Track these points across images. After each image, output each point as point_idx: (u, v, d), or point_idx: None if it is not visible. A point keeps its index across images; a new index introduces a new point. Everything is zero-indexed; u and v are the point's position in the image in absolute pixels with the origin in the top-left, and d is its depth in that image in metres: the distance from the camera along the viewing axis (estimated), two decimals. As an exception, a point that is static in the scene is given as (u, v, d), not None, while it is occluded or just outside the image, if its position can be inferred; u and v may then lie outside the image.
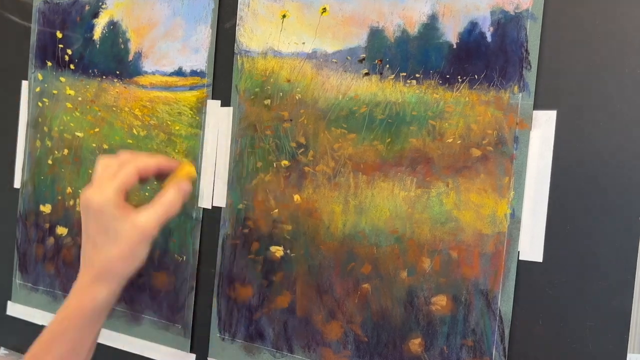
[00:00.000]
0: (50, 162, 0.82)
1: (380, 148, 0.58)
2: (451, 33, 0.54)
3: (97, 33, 0.78)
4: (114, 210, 0.52)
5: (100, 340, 0.73)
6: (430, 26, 0.55)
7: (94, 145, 0.78)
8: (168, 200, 0.54)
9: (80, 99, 0.80)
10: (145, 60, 0.74)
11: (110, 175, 0.54)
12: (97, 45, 0.78)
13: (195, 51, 0.70)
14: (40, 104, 0.84)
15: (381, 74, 0.58)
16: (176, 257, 0.71)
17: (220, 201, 0.68)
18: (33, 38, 0.85)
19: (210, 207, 0.69)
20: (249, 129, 0.65)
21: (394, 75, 0.57)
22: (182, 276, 0.71)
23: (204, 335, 0.69)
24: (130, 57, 0.75)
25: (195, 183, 0.69)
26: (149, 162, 0.55)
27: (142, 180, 0.55)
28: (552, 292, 0.50)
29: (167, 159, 0.56)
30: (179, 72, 0.71)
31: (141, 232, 0.53)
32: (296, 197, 0.62)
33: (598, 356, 0.49)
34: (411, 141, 0.56)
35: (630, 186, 0.48)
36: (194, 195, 0.69)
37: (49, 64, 0.83)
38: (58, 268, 0.81)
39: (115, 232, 0.52)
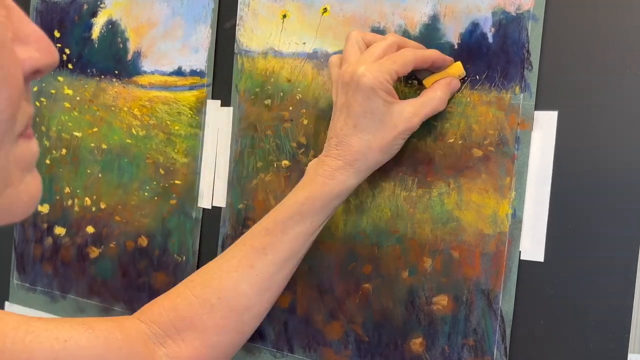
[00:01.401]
0: (48, 162, 0.82)
1: (381, 148, 0.58)
2: (452, 34, 0.55)
3: (96, 32, 0.78)
4: (386, 94, 0.50)
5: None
6: (432, 27, 0.56)
7: (92, 145, 0.78)
8: (438, 96, 0.52)
9: (78, 98, 0.80)
10: (145, 60, 0.74)
11: (380, 54, 0.51)
12: (96, 45, 0.78)
13: (195, 51, 0.70)
14: (37, 103, 0.84)
15: (382, 74, 0.58)
16: (175, 257, 0.71)
17: (220, 201, 0.68)
18: (31, 37, 0.84)
19: (210, 207, 0.69)
20: (249, 129, 0.65)
21: (395, 76, 0.57)
22: (181, 276, 0.70)
23: (204, 336, 0.69)
24: (129, 57, 0.75)
25: (195, 182, 0.69)
26: (427, 53, 0.52)
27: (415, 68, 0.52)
28: (554, 291, 0.51)
29: (442, 54, 0.53)
30: (179, 72, 0.71)
31: (407, 122, 0.51)
32: (297, 197, 0.62)
33: (599, 356, 0.49)
34: (412, 141, 0.56)
35: (631, 186, 0.48)
36: (194, 196, 0.69)
37: (47, 63, 0.83)
38: (56, 268, 0.81)
39: (382, 118, 0.50)
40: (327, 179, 0.52)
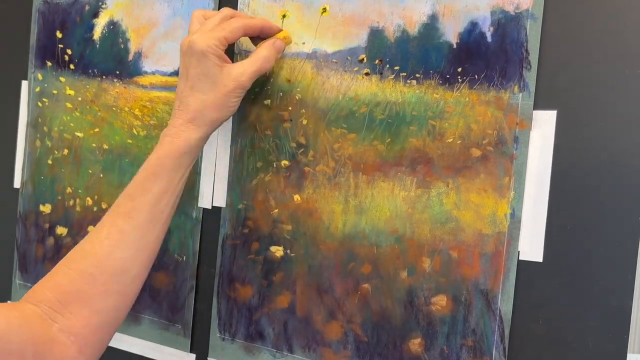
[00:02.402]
0: (50, 162, 0.82)
1: (380, 148, 0.58)
2: (451, 33, 0.54)
3: (97, 33, 0.78)
4: (216, 57, 0.56)
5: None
6: (431, 26, 0.55)
7: (93, 145, 0.78)
8: (263, 56, 0.59)
9: (80, 99, 0.80)
10: (145, 60, 0.74)
11: (215, 24, 0.58)
12: (97, 45, 0.78)
13: (195, 51, 0.70)
14: (40, 104, 0.84)
15: (381, 74, 0.58)
16: (176, 257, 0.71)
17: (220, 201, 0.68)
18: (33, 38, 0.85)
19: (210, 207, 0.69)
20: (248, 129, 0.65)
21: (394, 75, 0.57)
22: (182, 276, 0.71)
23: (204, 335, 0.69)
24: (130, 57, 0.75)
25: (195, 182, 0.69)
26: (255, 21, 0.60)
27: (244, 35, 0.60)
28: (552, 292, 0.50)
29: (270, 22, 0.61)
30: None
31: (236, 81, 0.57)
32: (296, 197, 0.62)
33: (598, 356, 0.49)
34: (411, 141, 0.56)
35: (630, 186, 0.48)
36: (194, 196, 0.69)
37: (49, 63, 0.83)
38: (58, 268, 0.81)
39: (214, 78, 0.57)
40: (172, 137, 0.57)
